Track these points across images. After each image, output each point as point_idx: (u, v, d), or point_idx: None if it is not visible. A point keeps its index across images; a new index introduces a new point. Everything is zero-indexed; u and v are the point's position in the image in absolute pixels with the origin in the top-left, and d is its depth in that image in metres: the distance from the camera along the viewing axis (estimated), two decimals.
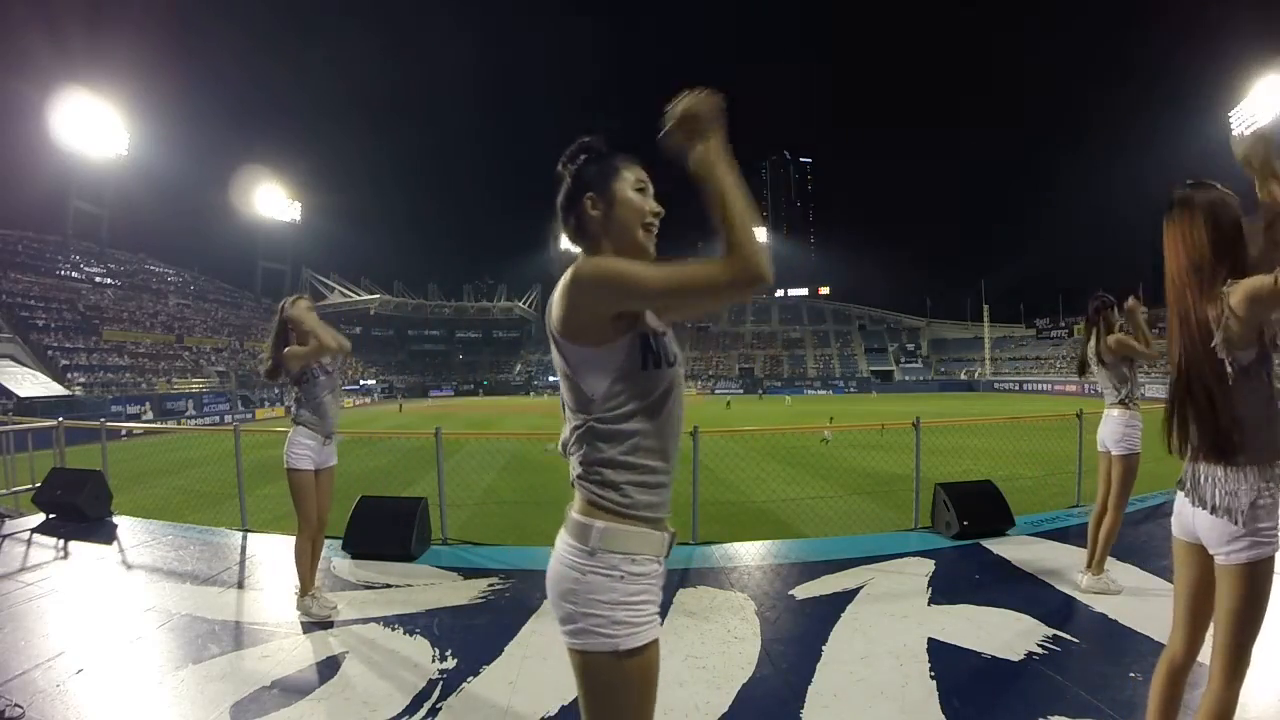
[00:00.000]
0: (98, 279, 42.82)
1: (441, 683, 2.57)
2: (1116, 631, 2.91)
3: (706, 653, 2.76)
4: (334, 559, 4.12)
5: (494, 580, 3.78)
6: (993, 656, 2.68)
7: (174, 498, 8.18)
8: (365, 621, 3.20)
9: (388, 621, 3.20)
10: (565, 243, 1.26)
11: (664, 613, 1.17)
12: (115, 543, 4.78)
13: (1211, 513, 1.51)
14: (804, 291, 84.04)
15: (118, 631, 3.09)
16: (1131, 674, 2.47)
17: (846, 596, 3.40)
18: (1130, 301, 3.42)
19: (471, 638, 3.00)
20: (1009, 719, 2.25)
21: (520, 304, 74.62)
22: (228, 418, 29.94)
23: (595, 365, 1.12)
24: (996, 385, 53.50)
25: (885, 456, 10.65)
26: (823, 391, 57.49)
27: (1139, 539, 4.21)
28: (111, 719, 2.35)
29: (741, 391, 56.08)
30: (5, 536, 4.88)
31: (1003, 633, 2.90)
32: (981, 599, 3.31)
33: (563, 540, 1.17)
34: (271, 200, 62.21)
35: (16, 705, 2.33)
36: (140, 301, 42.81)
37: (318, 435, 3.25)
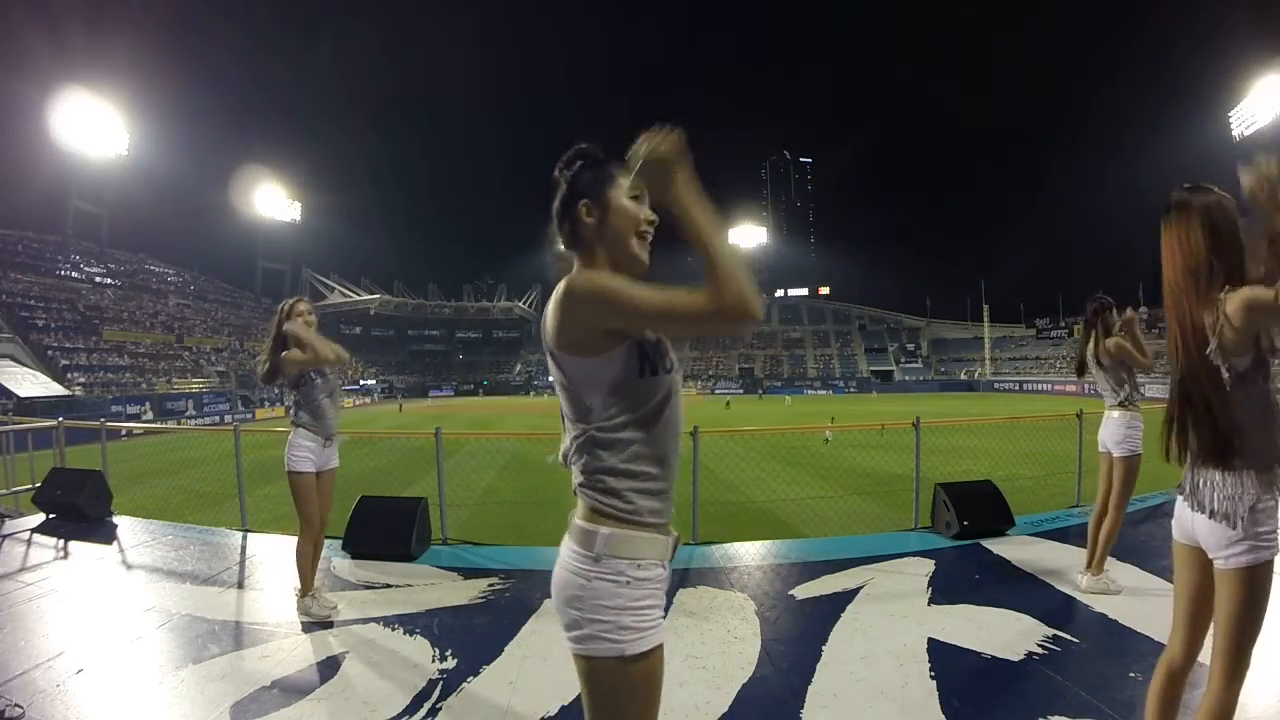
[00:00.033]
0: (98, 279, 42.82)
1: (441, 683, 2.57)
2: (1116, 631, 2.91)
3: (706, 653, 2.76)
4: (334, 559, 4.12)
5: (494, 580, 3.78)
6: (993, 656, 2.68)
7: (174, 498, 8.18)
8: (365, 621, 3.20)
9: (388, 621, 3.20)
10: (561, 247, 1.26)
11: (664, 613, 1.17)
12: (115, 543, 4.78)
13: (1210, 518, 1.52)
14: (804, 291, 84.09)
15: (118, 631, 3.09)
16: (1131, 674, 2.47)
17: (846, 596, 3.40)
18: (1128, 312, 3.43)
19: (471, 638, 3.00)
20: (1009, 719, 2.25)
21: (520, 304, 74.61)
22: (228, 418, 29.93)
23: (592, 376, 1.12)
24: (996, 385, 53.47)
25: (885, 456, 10.64)
26: (823, 391, 57.47)
27: (1139, 539, 4.21)
28: (111, 719, 2.35)
29: (741, 391, 56.07)
30: (5, 536, 4.88)
31: (1003, 633, 2.90)
32: (981, 599, 3.31)
33: (567, 547, 1.16)
34: (271, 200, 62.21)
35: (16, 705, 2.33)
36: (140, 301, 42.82)
37: (318, 437, 3.26)
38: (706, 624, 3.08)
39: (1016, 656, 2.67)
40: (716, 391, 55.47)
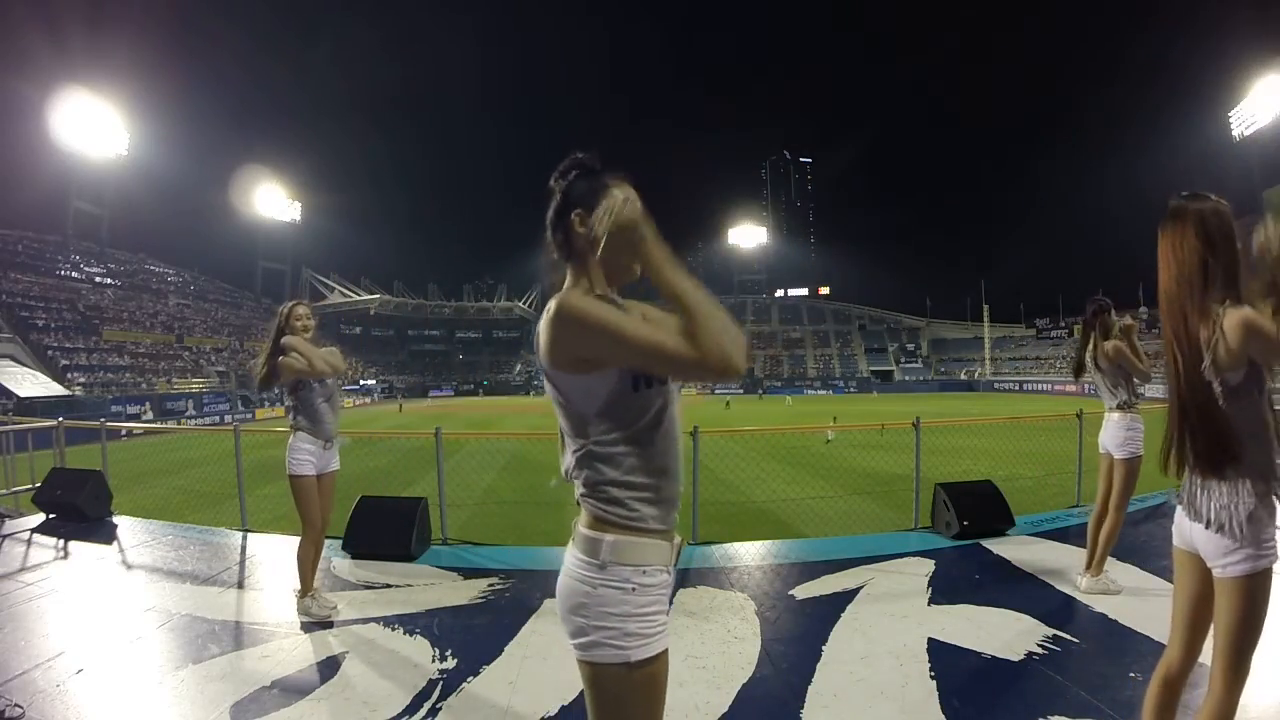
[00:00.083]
0: (98, 279, 42.81)
1: (441, 683, 2.57)
2: (1116, 631, 2.91)
3: (706, 653, 2.77)
4: (334, 559, 4.12)
5: (494, 580, 3.78)
6: (993, 656, 2.68)
7: (174, 498, 8.18)
8: (365, 621, 3.20)
9: (388, 621, 3.20)
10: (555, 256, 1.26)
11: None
12: (115, 543, 4.78)
13: (1207, 527, 1.52)
14: (804, 291, 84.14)
15: (118, 631, 3.09)
16: (1131, 674, 2.47)
17: (846, 596, 3.40)
18: (1126, 319, 3.43)
19: (471, 638, 3.00)
20: (1009, 719, 2.25)
21: (520, 304, 74.56)
22: (228, 418, 29.92)
23: (587, 392, 1.12)
24: (996, 385, 53.47)
25: (885, 456, 10.65)
26: (823, 391, 57.48)
27: (1139, 539, 4.21)
28: (111, 719, 2.35)
29: (741, 392, 55.99)
30: (5, 536, 4.88)
31: (1003, 633, 2.90)
32: (981, 599, 3.31)
33: (572, 555, 1.17)
34: (271, 200, 62.22)
35: (16, 705, 2.33)
36: (140, 301, 42.81)
37: (317, 440, 3.27)
38: (706, 624, 3.09)
39: (1016, 656, 2.67)
40: (716, 391, 55.41)
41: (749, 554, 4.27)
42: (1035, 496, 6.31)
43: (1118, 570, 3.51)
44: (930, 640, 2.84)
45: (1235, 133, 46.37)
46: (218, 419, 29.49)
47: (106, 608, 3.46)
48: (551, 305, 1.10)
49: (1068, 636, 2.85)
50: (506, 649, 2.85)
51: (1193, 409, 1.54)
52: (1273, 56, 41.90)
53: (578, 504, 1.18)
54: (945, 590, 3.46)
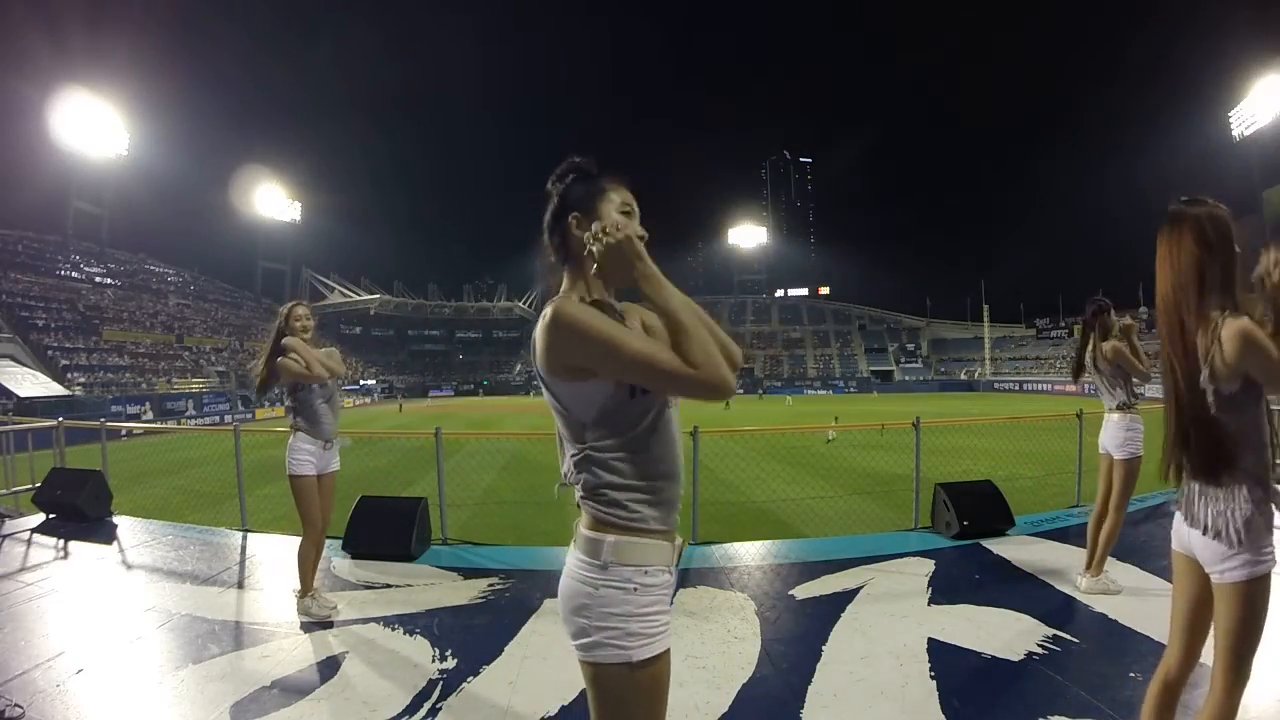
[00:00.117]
0: (98, 279, 42.79)
1: (441, 683, 2.57)
2: (1116, 631, 2.91)
3: (706, 653, 2.77)
4: (334, 559, 4.12)
5: (494, 580, 3.79)
6: (993, 656, 2.68)
7: (174, 498, 8.17)
8: (365, 621, 3.21)
9: (388, 621, 3.20)
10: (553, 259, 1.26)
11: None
12: (115, 543, 4.79)
13: (1204, 533, 1.52)
14: (804, 291, 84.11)
15: (118, 631, 3.09)
16: (1131, 674, 2.47)
17: (846, 596, 3.40)
18: (1126, 319, 3.43)
19: (471, 638, 3.00)
20: (1009, 719, 2.25)
21: (520, 304, 74.53)
22: (228, 418, 29.92)
23: (584, 398, 1.12)
24: (996, 385, 53.44)
25: (885, 456, 10.64)
26: (823, 391, 57.45)
27: (1139, 539, 4.21)
28: (111, 719, 2.35)
29: (741, 391, 55.97)
30: (5, 536, 4.89)
31: (1003, 633, 2.90)
32: (981, 599, 3.31)
33: (573, 556, 1.17)
34: (271, 200, 62.16)
35: (16, 705, 2.33)
36: (140, 301, 42.80)
37: (317, 441, 3.27)
38: (706, 624, 3.09)
39: (1016, 656, 2.67)
40: None
41: (749, 554, 4.28)
42: (1035, 496, 6.31)
43: (1118, 570, 3.51)
44: (930, 640, 2.84)
45: (1235, 133, 46.38)
46: (218, 419, 29.49)
47: (106, 608, 3.46)
48: (548, 311, 1.10)
49: (1068, 636, 2.85)
50: (506, 649, 2.85)
51: (1189, 416, 1.54)
52: (1273, 56, 41.92)
53: (578, 506, 1.18)
54: (945, 590, 3.46)
